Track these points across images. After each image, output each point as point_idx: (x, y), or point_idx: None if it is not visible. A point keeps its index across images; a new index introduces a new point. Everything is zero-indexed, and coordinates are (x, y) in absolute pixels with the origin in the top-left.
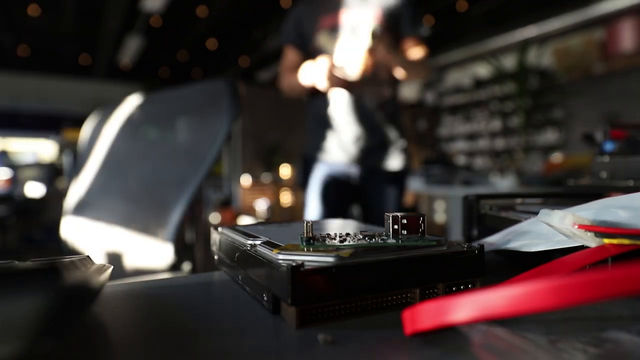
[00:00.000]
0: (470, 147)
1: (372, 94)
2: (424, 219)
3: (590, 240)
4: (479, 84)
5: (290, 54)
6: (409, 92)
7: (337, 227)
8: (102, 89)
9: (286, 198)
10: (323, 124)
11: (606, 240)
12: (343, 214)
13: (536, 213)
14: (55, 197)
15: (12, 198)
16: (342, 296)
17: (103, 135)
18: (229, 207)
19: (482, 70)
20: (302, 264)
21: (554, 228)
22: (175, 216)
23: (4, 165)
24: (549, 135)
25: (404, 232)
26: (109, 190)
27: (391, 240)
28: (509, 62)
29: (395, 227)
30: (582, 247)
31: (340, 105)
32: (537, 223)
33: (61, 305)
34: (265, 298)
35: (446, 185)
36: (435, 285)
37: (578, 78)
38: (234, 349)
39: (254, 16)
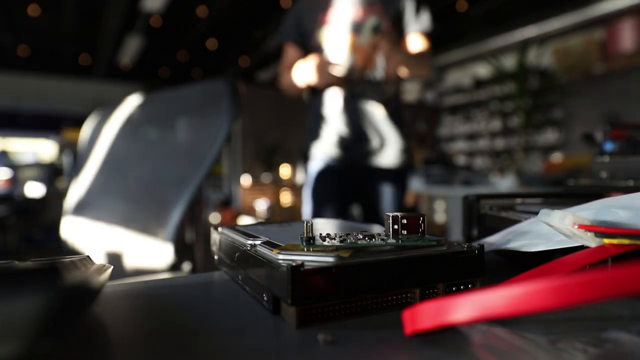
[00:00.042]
0: (470, 147)
1: (374, 92)
2: (424, 219)
3: (590, 240)
4: (479, 84)
5: (291, 52)
6: (409, 92)
7: (337, 227)
8: (102, 89)
9: (286, 198)
10: (324, 122)
11: (606, 240)
12: (343, 213)
13: (536, 213)
14: (55, 197)
15: (12, 198)
16: (342, 296)
17: (103, 135)
18: (229, 207)
19: (482, 70)
20: (302, 264)
21: (554, 228)
22: (175, 216)
23: (4, 165)
24: (549, 135)
25: (404, 232)
26: (109, 190)
27: (391, 240)
28: (509, 62)
29: (395, 227)
30: (582, 247)
31: (341, 104)
32: (537, 223)
33: (61, 305)
34: (265, 298)
35: (446, 185)
36: (435, 285)
37: (578, 78)
38: (234, 349)
39: (254, 16)
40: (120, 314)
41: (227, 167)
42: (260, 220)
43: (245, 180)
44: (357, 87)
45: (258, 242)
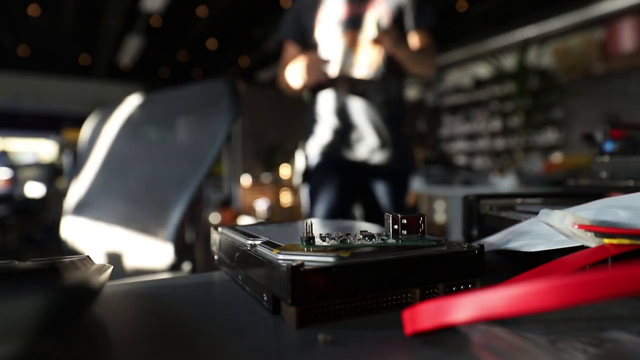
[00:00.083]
0: (470, 147)
1: (376, 91)
2: (424, 219)
3: (590, 240)
4: (479, 84)
5: (291, 50)
6: (409, 92)
7: (337, 227)
8: (102, 89)
9: (286, 198)
10: (325, 121)
11: (606, 240)
12: (344, 213)
13: (536, 213)
14: (55, 197)
15: (12, 198)
16: (342, 296)
17: (103, 135)
18: (229, 207)
19: (482, 70)
20: (302, 264)
21: (554, 228)
22: (175, 216)
23: (4, 165)
24: (549, 135)
25: (404, 232)
26: (109, 190)
27: (391, 240)
28: (509, 62)
29: (395, 227)
30: (582, 247)
31: (343, 103)
32: (537, 223)
33: (61, 305)
34: (265, 298)
35: (446, 185)
36: (435, 285)
37: (578, 78)
38: (234, 349)
39: (254, 16)
40: (120, 314)
41: (227, 167)
42: (260, 220)
43: (245, 180)
44: (358, 86)
45: (258, 242)
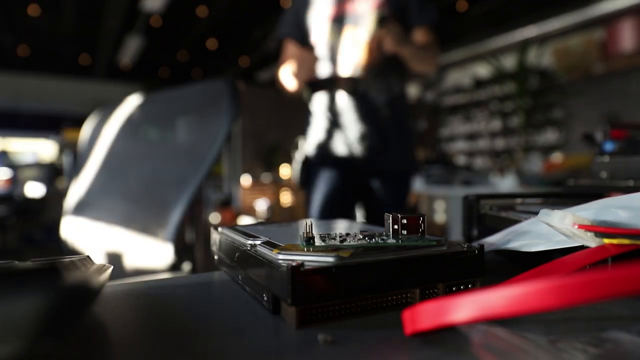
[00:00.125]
0: (470, 147)
1: (379, 89)
2: (424, 219)
3: (590, 240)
4: (479, 84)
5: (290, 48)
6: (408, 91)
7: (337, 227)
8: (102, 89)
9: (286, 198)
10: (326, 121)
11: (606, 240)
12: (346, 215)
13: (536, 213)
14: (55, 197)
15: (12, 198)
16: (342, 296)
17: (103, 135)
18: (229, 207)
19: (482, 70)
20: (302, 264)
21: (554, 228)
22: (175, 216)
23: (4, 165)
24: (549, 135)
25: (404, 232)
26: (109, 190)
27: (391, 240)
28: (509, 62)
29: (395, 227)
30: (582, 247)
31: (345, 102)
32: (537, 223)
33: (61, 305)
34: (265, 298)
35: (446, 185)
36: (435, 285)
37: (578, 78)
38: (234, 349)
39: (254, 16)
40: (120, 314)
41: (227, 167)
42: (260, 220)
43: (245, 180)
44: (360, 84)
45: (258, 242)
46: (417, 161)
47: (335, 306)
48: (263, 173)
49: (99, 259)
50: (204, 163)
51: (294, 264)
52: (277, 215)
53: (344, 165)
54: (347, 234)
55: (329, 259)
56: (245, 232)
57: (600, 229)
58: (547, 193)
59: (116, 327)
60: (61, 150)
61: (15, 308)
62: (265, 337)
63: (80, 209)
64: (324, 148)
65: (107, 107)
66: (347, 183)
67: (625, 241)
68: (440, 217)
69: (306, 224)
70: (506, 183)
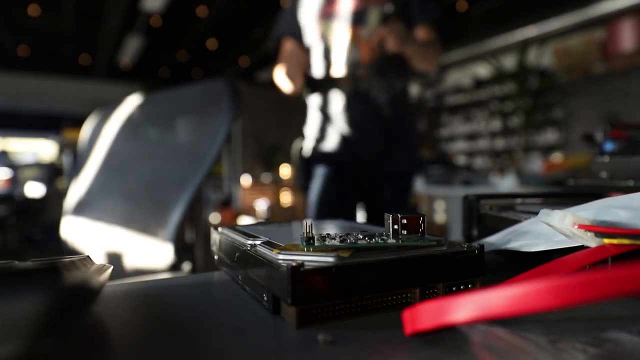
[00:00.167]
0: (470, 147)
1: (380, 88)
2: (424, 219)
3: (590, 240)
4: (479, 84)
5: (288, 46)
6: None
7: (337, 227)
8: (102, 89)
9: (286, 198)
10: (327, 121)
11: (606, 240)
12: (347, 217)
13: (536, 213)
14: (55, 197)
15: (12, 198)
16: (342, 296)
17: (103, 135)
18: (229, 207)
19: (482, 70)
20: (302, 264)
21: (554, 228)
22: (175, 216)
23: (4, 165)
24: (549, 135)
25: (404, 232)
26: (109, 190)
27: (391, 240)
28: (509, 62)
29: (395, 227)
30: (582, 247)
31: (345, 102)
32: (537, 223)
33: (61, 305)
34: (265, 298)
35: (446, 185)
36: (435, 285)
37: (578, 78)
38: (234, 349)
39: (254, 16)
40: (120, 314)
41: (227, 167)
42: (260, 220)
43: (245, 180)
44: (361, 83)
45: (258, 242)
46: (421, 160)
47: (335, 306)
48: (263, 173)
49: (99, 259)
50: (204, 163)
51: (294, 264)
52: (277, 215)
53: (346, 167)
54: (347, 234)
55: (329, 259)
56: (245, 232)
57: (600, 229)
58: (547, 193)
59: (116, 327)
60: (61, 150)
61: (15, 308)
62: (265, 337)
63: (80, 209)
64: (325, 149)
65: (107, 107)
66: (348, 185)
67: (625, 241)
68: (440, 217)
69: (306, 224)
70: (506, 183)
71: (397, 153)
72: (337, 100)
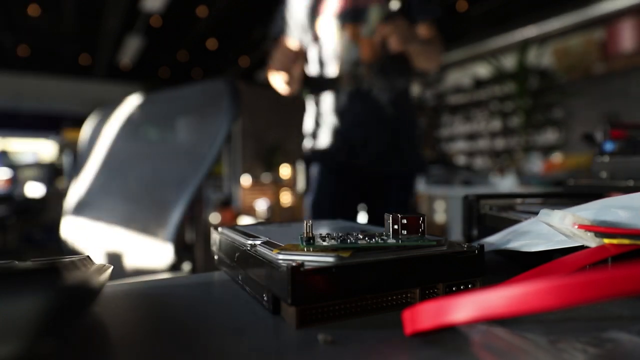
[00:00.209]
0: (470, 147)
1: (382, 87)
2: (424, 219)
3: (590, 240)
4: (479, 84)
5: (281, 45)
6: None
7: (337, 227)
8: (102, 89)
9: (286, 198)
10: (328, 122)
11: (606, 240)
12: (349, 219)
13: (536, 213)
14: (55, 197)
15: (12, 198)
16: (342, 296)
17: (103, 135)
18: (229, 207)
19: (482, 70)
20: (302, 264)
21: (554, 228)
22: (175, 216)
23: (4, 165)
24: (549, 135)
25: (404, 232)
26: (109, 190)
27: (391, 240)
28: (509, 62)
29: (395, 227)
30: (582, 247)
31: (346, 102)
32: (537, 223)
33: (61, 305)
34: (265, 298)
35: (446, 185)
36: (435, 285)
37: (578, 78)
38: (234, 349)
39: (254, 16)
40: (120, 314)
41: (227, 167)
42: (260, 220)
43: (245, 180)
44: (363, 82)
45: (258, 242)
46: (424, 160)
47: (335, 306)
48: (263, 173)
49: (99, 259)
50: (204, 163)
51: (294, 264)
52: (277, 215)
53: (347, 168)
54: (347, 234)
55: (329, 259)
56: (245, 232)
57: (600, 229)
58: (547, 193)
59: (116, 327)
60: (61, 150)
61: (15, 308)
62: (265, 337)
63: (80, 209)
64: (325, 150)
65: (107, 107)
66: (349, 186)
67: (625, 241)
68: (440, 217)
69: (306, 224)
70: (506, 183)
71: (399, 153)
72: (338, 100)
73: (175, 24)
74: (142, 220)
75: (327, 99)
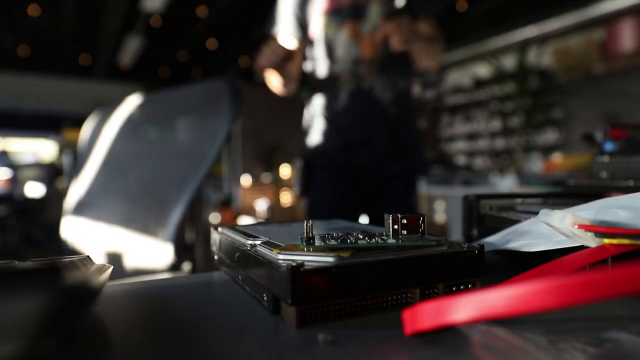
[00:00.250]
0: (470, 147)
1: (384, 86)
2: (424, 219)
3: (590, 240)
4: (479, 84)
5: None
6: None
7: (337, 227)
8: (102, 89)
9: (286, 198)
10: (328, 123)
11: (606, 240)
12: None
13: (536, 213)
14: (55, 197)
15: (12, 198)
16: (342, 296)
17: (103, 135)
18: (229, 207)
19: (482, 70)
20: (302, 264)
21: (554, 228)
22: (175, 216)
23: (4, 165)
24: (549, 135)
25: (404, 232)
26: (109, 190)
27: (391, 240)
28: (509, 62)
29: (395, 227)
30: (582, 247)
31: (346, 101)
32: (537, 223)
33: (61, 305)
34: (265, 298)
35: (446, 185)
36: (435, 285)
37: (578, 78)
38: (234, 349)
39: (254, 16)
40: (120, 314)
41: (227, 167)
42: (260, 220)
43: (245, 180)
44: (364, 81)
45: (258, 242)
46: (426, 161)
47: (335, 306)
48: (263, 173)
49: (99, 259)
50: (204, 163)
51: (294, 264)
52: (277, 215)
53: (348, 169)
54: (347, 234)
55: (329, 259)
56: (245, 232)
57: (600, 229)
58: (547, 193)
59: (116, 327)
60: (61, 150)
61: (15, 308)
62: (265, 337)
63: (80, 209)
64: (326, 152)
65: (107, 107)
66: (350, 188)
67: (625, 241)
68: (440, 217)
69: (306, 224)
70: (506, 183)
71: (401, 154)
72: (338, 99)
73: (175, 24)
74: (142, 220)
75: (327, 98)
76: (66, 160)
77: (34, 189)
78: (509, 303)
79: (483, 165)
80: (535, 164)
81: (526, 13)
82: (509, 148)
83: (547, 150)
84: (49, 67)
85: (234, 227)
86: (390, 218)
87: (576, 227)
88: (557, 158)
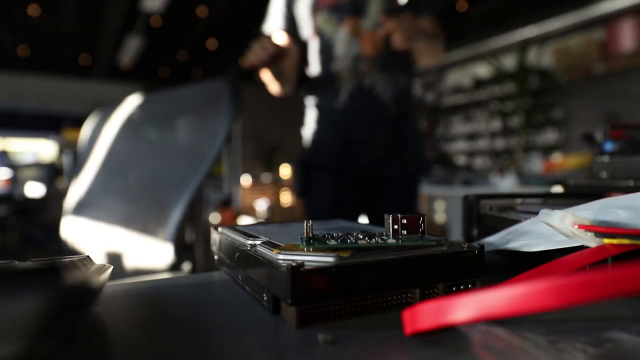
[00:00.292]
0: (470, 147)
1: (385, 84)
2: (424, 219)
3: (590, 240)
4: (479, 84)
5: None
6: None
7: (337, 227)
8: (102, 89)
9: (286, 198)
10: (328, 122)
11: (606, 240)
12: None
13: (536, 213)
14: (55, 197)
15: (12, 198)
16: (342, 296)
17: (103, 135)
18: (229, 207)
19: (482, 70)
20: (302, 264)
21: (554, 228)
22: (175, 216)
23: (4, 165)
24: (549, 135)
25: (404, 232)
26: (109, 190)
27: (391, 240)
28: (509, 62)
29: (395, 227)
30: (582, 247)
31: (346, 100)
32: (537, 223)
33: (61, 305)
34: (265, 298)
35: (446, 185)
36: (435, 285)
37: (578, 78)
38: (234, 349)
39: (254, 16)
40: (120, 314)
41: (227, 167)
42: (260, 220)
43: (245, 180)
44: (365, 79)
45: (258, 242)
46: (428, 162)
47: (335, 306)
48: (263, 173)
49: (99, 259)
50: (204, 163)
51: (294, 264)
52: (277, 215)
53: (348, 170)
54: (347, 234)
55: (329, 259)
56: (245, 232)
57: (600, 229)
58: (547, 193)
59: (116, 327)
60: (61, 150)
61: (15, 308)
62: (265, 337)
63: (80, 209)
64: (326, 152)
65: (107, 107)
66: (350, 189)
67: (625, 241)
68: (440, 217)
69: (306, 224)
70: (506, 183)
71: (402, 155)
72: (338, 98)
73: (175, 24)
74: (142, 220)
75: (327, 97)
76: (66, 160)
77: (34, 189)
78: (509, 303)
79: (483, 165)
80: (535, 164)
81: (526, 13)
82: (509, 148)
83: (547, 150)
84: (49, 67)
85: (234, 227)
86: (390, 218)
87: (576, 227)
88: (557, 158)
